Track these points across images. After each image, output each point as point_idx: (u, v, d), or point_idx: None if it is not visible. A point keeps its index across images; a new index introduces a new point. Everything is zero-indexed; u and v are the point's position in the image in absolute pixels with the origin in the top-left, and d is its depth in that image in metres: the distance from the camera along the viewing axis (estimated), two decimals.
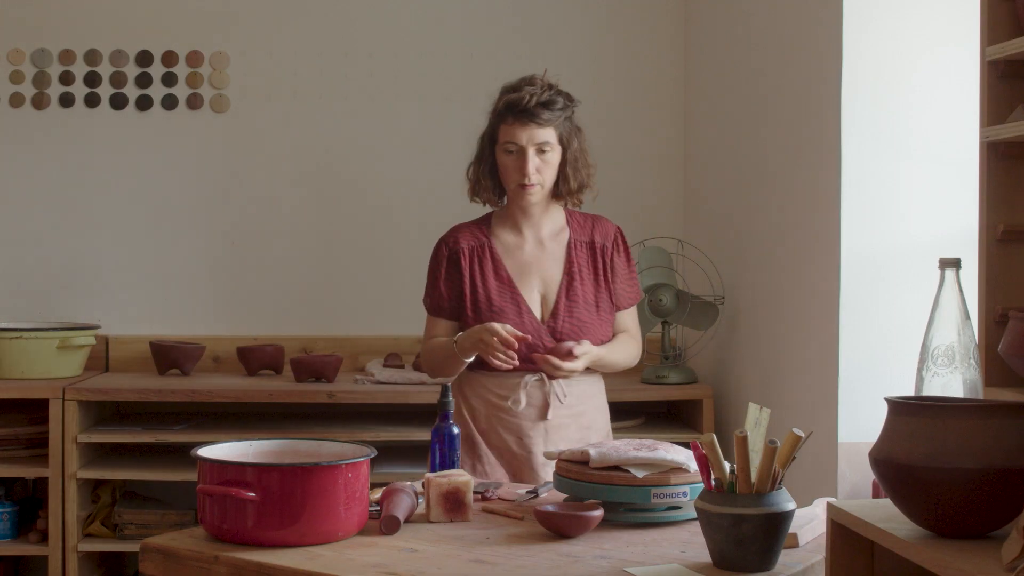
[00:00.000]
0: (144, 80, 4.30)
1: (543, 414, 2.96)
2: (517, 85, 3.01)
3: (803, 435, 1.96)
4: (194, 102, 4.30)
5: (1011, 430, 1.67)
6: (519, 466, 2.97)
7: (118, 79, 4.29)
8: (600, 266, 3.07)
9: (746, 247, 3.79)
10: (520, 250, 3.08)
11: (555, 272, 3.06)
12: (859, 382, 3.03)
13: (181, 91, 4.31)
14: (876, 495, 2.81)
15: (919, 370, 1.99)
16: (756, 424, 1.99)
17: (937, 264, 2.00)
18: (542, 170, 2.97)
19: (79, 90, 4.29)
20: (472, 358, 2.97)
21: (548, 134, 2.97)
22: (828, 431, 3.06)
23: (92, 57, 4.28)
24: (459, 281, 3.04)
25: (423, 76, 4.36)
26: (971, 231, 2.17)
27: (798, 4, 3.36)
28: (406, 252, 4.34)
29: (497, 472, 2.97)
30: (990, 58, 1.98)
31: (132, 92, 4.30)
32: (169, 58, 4.30)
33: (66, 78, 4.29)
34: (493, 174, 3.05)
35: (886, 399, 1.78)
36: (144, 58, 4.29)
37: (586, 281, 3.05)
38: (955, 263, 1.98)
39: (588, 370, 3.01)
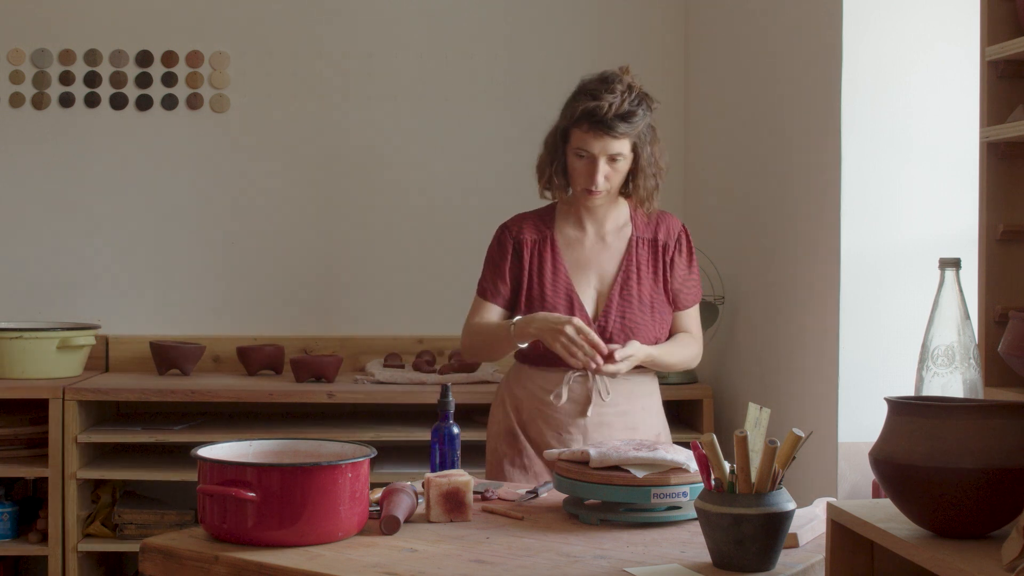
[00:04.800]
0: (144, 80, 4.30)
1: (584, 411, 2.91)
2: (596, 89, 2.89)
3: (803, 435, 1.96)
4: (194, 102, 4.30)
5: (1011, 430, 1.67)
6: None
7: (118, 79, 4.29)
8: (660, 265, 3.00)
9: (746, 247, 3.79)
10: (580, 244, 3.01)
11: (612, 268, 2.99)
12: (859, 382, 3.03)
13: (181, 91, 4.31)
14: (876, 495, 2.82)
15: (919, 370, 1.99)
16: (756, 424, 1.99)
17: (937, 264, 2.00)
18: (611, 177, 2.91)
19: (79, 90, 4.29)
20: (525, 344, 2.92)
21: (622, 145, 2.88)
22: (828, 431, 3.06)
23: (92, 57, 4.28)
24: (518, 273, 2.99)
25: (423, 76, 4.35)
26: (971, 231, 2.17)
27: (798, 4, 3.36)
28: (406, 252, 4.35)
29: (536, 465, 2.95)
30: (990, 58, 1.98)
31: (132, 92, 4.30)
32: (169, 58, 4.30)
33: (66, 78, 4.29)
34: (564, 171, 2.97)
35: (886, 399, 1.78)
36: (144, 58, 4.29)
37: (644, 279, 2.98)
38: (955, 263, 1.98)
39: (640, 368, 2.95)
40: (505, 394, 3.04)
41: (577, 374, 2.92)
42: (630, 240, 3.01)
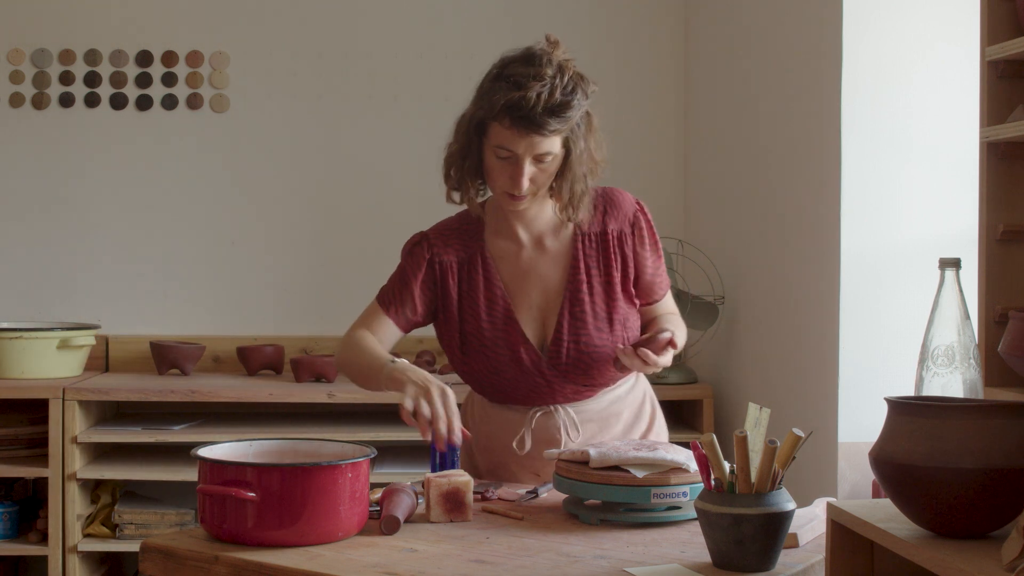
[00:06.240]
0: (144, 80, 4.30)
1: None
2: (521, 75, 2.35)
3: (803, 435, 1.96)
4: (194, 102, 4.30)
5: (1011, 430, 1.67)
6: None
7: (118, 79, 4.29)
8: (617, 262, 2.50)
9: (746, 247, 3.79)
10: (515, 257, 2.54)
11: (557, 281, 2.51)
12: (859, 382, 3.03)
13: (181, 91, 4.31)
14: (876, 495, 2.81)
15: (919, 370, 1.98)
16: (756, 424, 1.99)
17: (937, 264, 2.00)
18: (537, 179, 2.41)
19: (79, 90, 4.29)
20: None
21: (552, 143, 2.37)
22: (828, 431, 3.06)
23: (92, 57, 4.28)
24: (444, 302, 2.54)
25: (423, 76, 4.35)
26: (971, 231, 2.17)
27: (798, 4, 3.36)
28: None
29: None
30: (990, 58, 1.98)
31: (132, 92, 4.30)
32: (169, 58, 4.30)
33: (66, 78, 4.29)
34: (478, 171, 2.48)
35: (886, 399, 1.78)
36: (144, 58, 4.29)
37: (596, 288, 2.49)
38: (955, 263, 1.98)
39: (607, 376, 2.53)
40: (472, 431, 2.60)
41: (539, 412, 2.54)
42: (573, 239, 2.51)
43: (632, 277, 2.53)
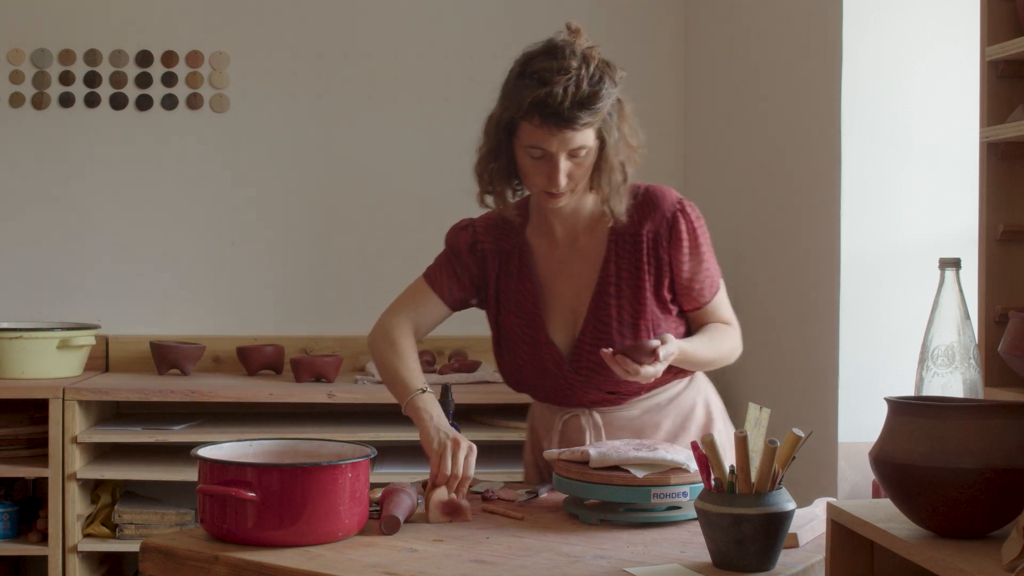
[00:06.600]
0: (144, 80, 4.30)
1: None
2: (546, 70, 2.27)
3: (803, 435, 1.96)
4: (194, 102, 4.30)
5: (1011, 430, 1.67)
6: None
7: (118, 79, 4.29)
8: (650, 265, 2.40)
9: (746, 247, 3.79)
10: (551, 253, 2.46)
11: (586, 280, 2.43)
12: (859, 382, 3.03)
13: (181, 91, 4.31)
14: (876, 495, 2.81)
15: (919, 370, 1.98)
16: (756, 424, 1.99)
17: (937, 264, 2.00)
18: (573, 174, 2.33)
19: (79, 90, 4.29)
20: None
21: (585, 136, 2.29)
22: (828, 431, 3.06)
23: (92, 57, 4.28)
24: (485, 290, 2.50)
25: (423, 76, 4.35)
26: (971, 231, 2.17)
27: (798, 4, 3.36)
28: (406, 252, 4.34)
29: None
30: (990, 58, 1.98)
31: (132, 92, 4.30)
32: (169, 58, 4.30)
33: (66, 78, 4.28)
34: (510, 172, 2.38)
35: (886, 399, 1.78)
36: (144, 58, 4.29)
37: (624, 292, 2.40)
38: (955, 263, 1.98)
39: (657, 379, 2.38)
40: (530, 426, 2.63)
41: (568, 415, 2.50)
42: (607, 238, 2.43)
43: (667, 281, 2.41)
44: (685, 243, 2.41)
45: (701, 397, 2.59)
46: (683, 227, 2.41)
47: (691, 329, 2.50)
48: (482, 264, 2.51)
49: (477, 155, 2.41)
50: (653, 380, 2.33)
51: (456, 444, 2.32)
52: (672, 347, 2.28)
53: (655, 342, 2.26)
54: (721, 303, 2.50)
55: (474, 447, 2.34)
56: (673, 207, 2.42)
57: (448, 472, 2.30)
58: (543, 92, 2.25)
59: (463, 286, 2.52)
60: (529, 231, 2.49)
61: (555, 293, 2.45)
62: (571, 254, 2.45)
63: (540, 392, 2.53)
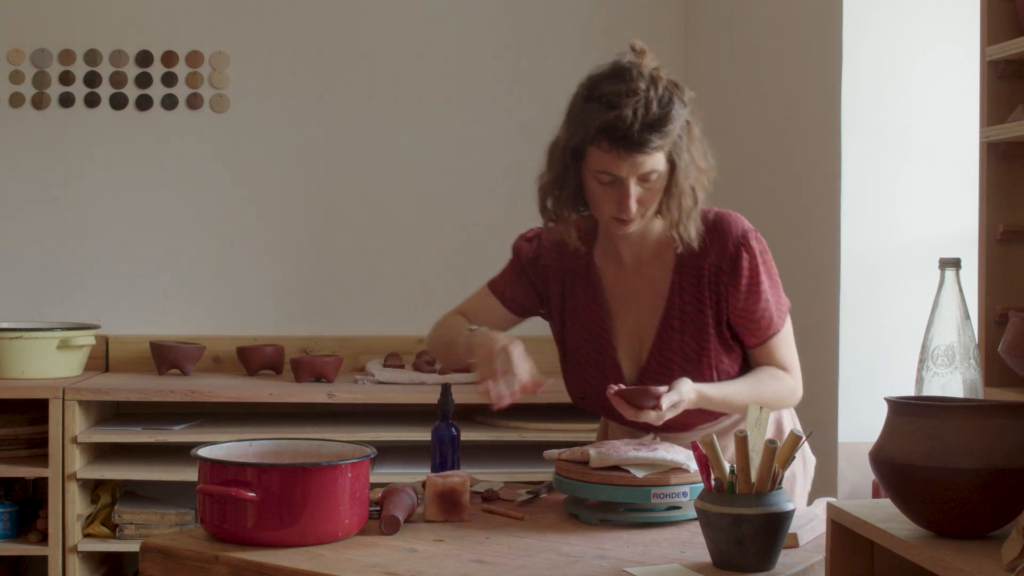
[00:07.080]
0: (144, 80, 4.30)
1: None
2: (613, 93, 2.20)
3: (803, 435, 1.96)
4: (194, 102, 4.30)
5: (1011, 430, 1.67)
6: None
7: (118, 79, 4.29)
8: (711, 298, 2.34)
9: None
10: (616, 278, 2.41)
11: (651, 309, 2.37)
12: (859, 382, 3.03)
13: (181, 91, 4.31)
14: (876, 495, 2.82)
15: (919, 370, 1.98)
16: (756, 424, 1.99)
17: (937, 264, 2.00)
18: (644, 199, 2.26)
19: (79, 90, 4.29)
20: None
21: (656, 160, 2.22)
22: (828, 431, 3.06)
23: (92, 57, 4.28)
24: (548, 305, 2.48)
25: (423, 76, 4.36)
26: (971, 231, 2.17)
27: (798, 4, 3.36)
28: (406, 252, 4.35)
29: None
30: (990, 58, 1.98)
31: (132, 92, 4.30)
32: (169, 58, 4.30)
33: (66, 78, 4.28)
34: (577, 198, 2.31)
35: (886, 399, 1.78)
36: (144, 58, 4.29)
37: (688, 328, 2.34)
38: (955, 263, 1.98)
39: (705, 412, 2.35)
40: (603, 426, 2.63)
41: (613, 426, 2.50)
42: (672, 268, 2.36)
43: (725, 318, 2.35)
44: (744, 279, 2.34)
45: (772, 416, 2.49)
46: (745, 263, 2.34)
47: (748, 369, 2.41)
48: (543, 278, 2.48)
49: (539, 183, 2.35)
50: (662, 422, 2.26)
51: (490, 354, 2.26)
52: (678, 396, 2.22)
53: (661, 389, 2.22)
54: (780, 345, 2.41)
55: (508, 347, 2.26)
56: (737, 240, 2.35)
57: (489, 388, 2.24)
58: (612, 116, 2.18)
59: (526, 293, 2.51)
60: (596, 253, 2.45)
61: (621, 318, 2.41)
62: (637, 280, 2.40)
63: (607, 412, 2.47)
